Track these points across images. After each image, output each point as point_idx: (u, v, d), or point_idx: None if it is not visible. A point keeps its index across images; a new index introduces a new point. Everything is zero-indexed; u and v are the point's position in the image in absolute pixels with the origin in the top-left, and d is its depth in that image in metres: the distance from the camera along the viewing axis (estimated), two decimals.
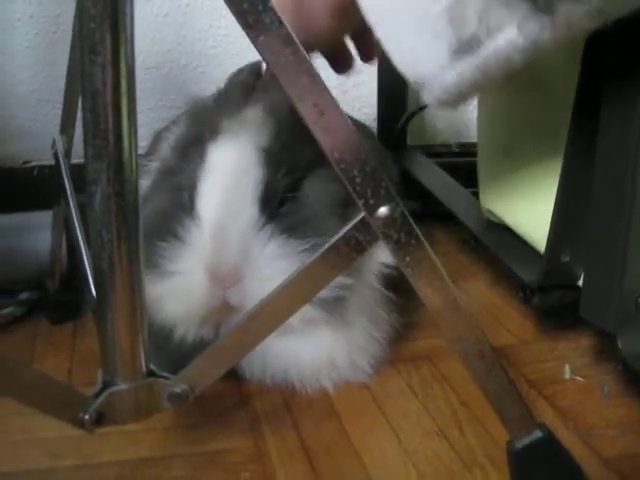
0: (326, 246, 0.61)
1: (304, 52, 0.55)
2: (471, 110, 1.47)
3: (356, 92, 1.48)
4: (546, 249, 0.87)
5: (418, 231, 0.61)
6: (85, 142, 0.56)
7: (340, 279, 0.76)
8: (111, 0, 0.51)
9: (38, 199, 1.09)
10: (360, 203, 0.60)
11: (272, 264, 0.76)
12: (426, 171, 1.34)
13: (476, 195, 1.18)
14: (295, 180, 0.82)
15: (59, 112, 0.95)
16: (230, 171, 0.79)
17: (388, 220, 0.60)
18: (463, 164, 1.37)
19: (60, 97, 0.93)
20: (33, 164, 1.34)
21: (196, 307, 0.79)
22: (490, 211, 1.06)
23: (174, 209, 0.82)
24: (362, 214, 0.60)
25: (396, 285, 0.89)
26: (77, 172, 0.86)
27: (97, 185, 0.56)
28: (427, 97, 0.63)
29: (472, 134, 1.51)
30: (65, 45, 0.89)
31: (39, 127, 1.33)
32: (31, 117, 1.33)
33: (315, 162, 0.81)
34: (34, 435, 0.80)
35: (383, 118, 1.46)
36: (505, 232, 1.04)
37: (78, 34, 0.53)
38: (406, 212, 0.61)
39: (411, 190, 1.26)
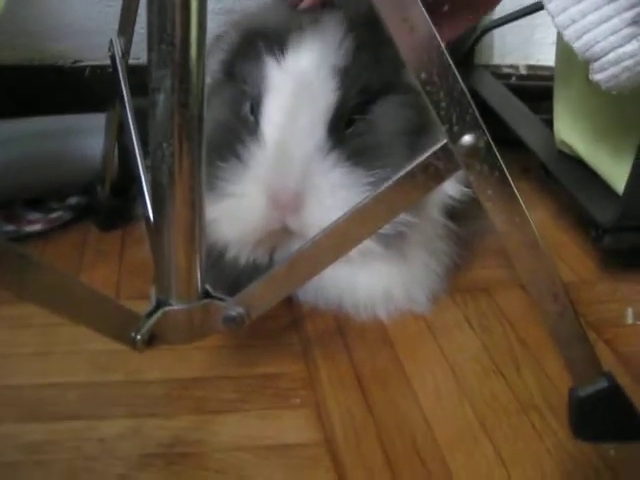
0: (402, 172, 0.57)
1: None
2: (545, 30, 1.39)
3: None
4: (625, 188, 0.83)
5: (502, 164, 0.57)
6: (149, 47, 0.52)
7: (404, 216, 0.74)
8: None
9: (88, 101, 1.05)
10: (444, 129, 0.55)
11: (335, 193, 0.72)
12: (494, 93, 1.27)
13: (546, 122, 1.12)
14: (366, 102, 0.77)
15: (114, 10, 0.91)
16: (299, 89, 0.74)
17: (472, 149, 0.56)
18: (531, 88, 1.31)
19: None
20: (84, 64, 1.30)
21: (253, 230, 0.76)
22: (564, 142, 1.01)
23: (235, 124, 0.77)
24: (444, 141, 0.56)
25: (457, 215, 0.85)
26: (134, 74, 0.83)
27: (160, 93, 0.52)
28: (596, 71, 0.58)
29: (543, 57, 1.43)
30: None
31: (92, 25, 1.28)
32: (84, 14, 1.27)
33: (389, 85, 0.76)
34: (82, 347, 0.79)
35: None
36: (579, 165, 0.99)
37: None
38: (492, 142, 0.56)
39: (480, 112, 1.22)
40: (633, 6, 0.54)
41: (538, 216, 1.16)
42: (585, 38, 0.56)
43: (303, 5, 0.82)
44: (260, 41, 0.77)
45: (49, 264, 0.55)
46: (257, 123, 0.76)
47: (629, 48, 0.55)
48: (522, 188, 1.21)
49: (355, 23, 0.76)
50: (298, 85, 0.74)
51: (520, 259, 0.61)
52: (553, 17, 0.57)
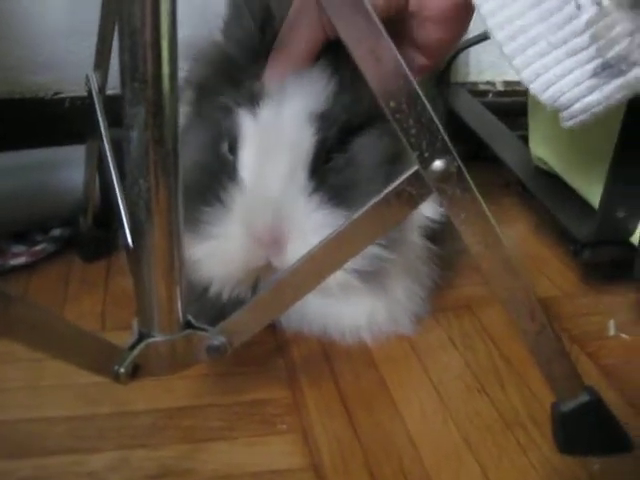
0: (376, 199, 0.58)
1: None
2: None
3: None
4: (601, 204, 0.84)
5: (474, 187, 0.58)
6: (122, 84, 0.52)
7: (381, 252, 0.75)
8: None
9: (70, 132, 1.06)
10: (415, 155, 0.56)
11: (318, 231, 0.72)
12: (471, 110, 1.29)
13: (523, 139, 1.14)
14: (345, 139, 0.78)
15: (90, 43, 0.91)
16: (276, 138, 0.74)
17: (443, 174, 0.57)
18: (508, 104, 1.33)
19: (92, 28, 0.89)
20: (64, 95, 1.31)
21: (237, 269, 0.77)
22: (540, 159, 1.02)
23: (215, 165, 0.78)
24: (416, 167, 0.57)
25: (436, 235, 0.86)
26: (112, 104, 0.83)
27: (134, 130, 0.53)
28: (566, 120, 0.59)
29: None
30: None
31: (71, 58, 1.29)
32: (62, 48, 1.28)
33: (368, 119, 0.77)
34: (69, 380, 0.80)
35: None
36: (555, 181, 1.00)
37: None
38: (462, 167, 0.57)
39: (454, 130, 1.23)
40: (592, 59, 0.56)
41: (519, 231, 1.17)
42: (551, 90, 0.58)
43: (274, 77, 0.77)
44: (231, 89, 0.77)
45: (31, 301, 0.56)
46: (234, 165, 0.76)
47: (594, 97, 0.57)
48: (503, 203, 1.25)
49: (339, 65, 0.75)
50: (274, 135, 0.74)
51: (495, 279, 0.62)
52: (518, 72, 0.59)
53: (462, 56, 1.42)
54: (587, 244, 0.87)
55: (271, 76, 0.75)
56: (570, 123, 0.60)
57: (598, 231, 0.85)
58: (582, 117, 0.59)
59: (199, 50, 0.83)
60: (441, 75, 1.38)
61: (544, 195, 0.99)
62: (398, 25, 0.72)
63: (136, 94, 0.52)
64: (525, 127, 1.13)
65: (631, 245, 0.83)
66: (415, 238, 0.84)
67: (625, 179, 0.81)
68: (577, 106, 0.58)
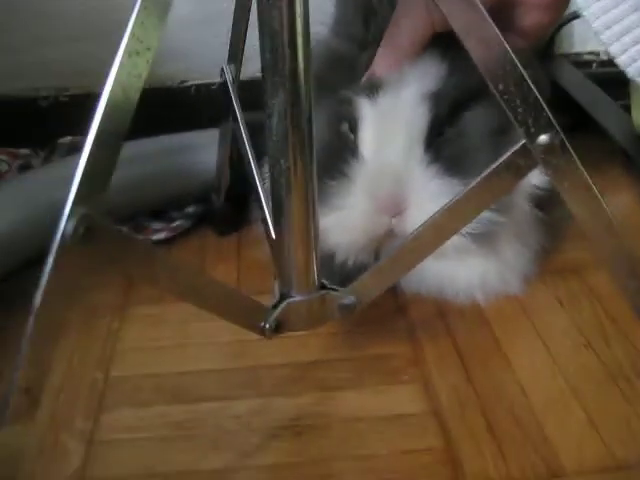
0: (487, 171, 0.65)
1: None
2: None
3: None
4: None
5: (577, 158, 0.64)
6: (264, 79, 0.61)
7: (492, 216, 0.81)
8: None
9: (197, 118, 1.17)
10: (521, 131, 0.63)
11: (435, 199, 0.79)
12: (574, 82, 1.32)
13: (626, 108, 1.16)
14: (455, 114, 0.85)
15: (215, 33, 0.99)
16: (393, 119, 0.82)
17: (548, 147, 0.63)
18: (613, 74, 1.34)
19: (217, 18, 0.97)
20: (190, 83, 1.42)
21: (362, 236, 0.84)
22: None
23: (337, 143, 0.86)
24: (523, 141, 0.63)
25: (546, 203, 0.91)
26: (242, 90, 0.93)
27: (274, 117, 0.62)
28: None
29: None
30: None
31: (195, 48, 1.39)
32: (187, 38, 1.38)
33: (475, 95, 0.84)
34: (213, 339, 0.90)
35: None
36: None
37: None
38: (565, 140, 0.63)
39: (561, 102, 1.26)
40: None
41: (623, 199, 1.20)
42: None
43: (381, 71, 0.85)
44: (346, 83, 0.86)
45: (187, 264, 0.66)
46: (355, 142, 0.84)
47: None
48: (609, 172, 1.27)
49: (448, 51, 0.83)
50: (392, 115, 0.82)
51: (598, 243, 0.68)
52: (615, 57, 0.64)
53: (566, 28, 1.44)
54: None
55: (379, 68, 0.83)
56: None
57: None
58: None
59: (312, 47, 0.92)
60: (545, 48, 1.41)
61: None
62: (501, 13, 0.78)
63: (276, 87, 0.60)
64: (629, 96, 1.16)
65: None
66: (523, 204, 0.90)
67: None
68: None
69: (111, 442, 0.77)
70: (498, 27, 0.59)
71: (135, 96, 0.56)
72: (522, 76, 0.61)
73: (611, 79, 1.34)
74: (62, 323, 0.57)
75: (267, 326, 0.70)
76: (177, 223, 1.15)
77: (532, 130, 0.63)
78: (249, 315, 0.70)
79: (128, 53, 0.55)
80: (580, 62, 1.48)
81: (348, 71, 0.87)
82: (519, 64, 0.61)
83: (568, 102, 1.27)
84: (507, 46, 0.60)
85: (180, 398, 0.82)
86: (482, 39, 0.60)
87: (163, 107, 1.40)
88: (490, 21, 0.59)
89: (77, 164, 0.53)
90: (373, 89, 0.83)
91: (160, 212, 1.18)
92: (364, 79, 0.85)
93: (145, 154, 1.15)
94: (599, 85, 1.32)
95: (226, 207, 1.13)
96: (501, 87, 0.61)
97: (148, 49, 0.56)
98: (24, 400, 0.57)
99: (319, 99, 0.90)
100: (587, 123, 1.24)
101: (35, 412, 0.59)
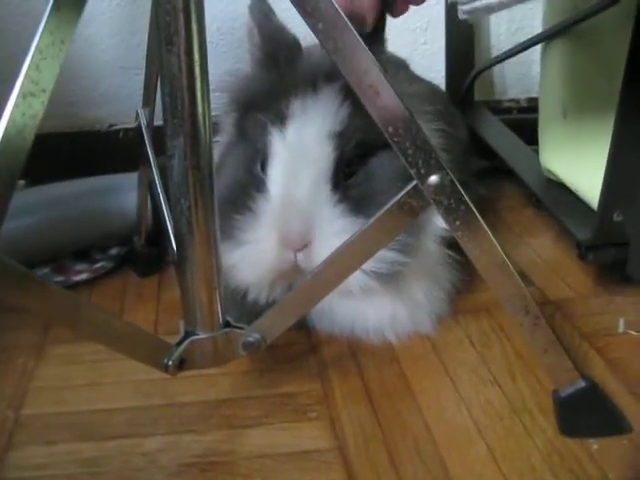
0: (382, 211, 0.67)
1: (359, 38, 0.61)
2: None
3: (425, 50, 1.51)
4: (598, 208, 0.91)
5: (467, 197, 0.67)
6: (164, 121, 0.63)
7: (396, 256, 0.83)
8: None
9: (125, 160, 1.18)
10: (412, 172, 0.65)
11: (339, 235, 0.81)
12: (490, 128, 1.37)
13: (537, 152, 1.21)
14: (363, 155, 0.87)
15: (140, 78, 1.01)
16: (300, 154, 0.84)
17: (438, 187, 0.66)
18: (532, 120, 1.40)
19: (141, 63, 0.99)
20: (119, 127, 1.43)
21: (268, 271, 0.86)
22: (549, 170, 1.10)
23: (248, 180, 0.88)
24: (414, 182, 0.66)
25: (456, 243, 0.94)
26: (159, 134, 0.94)
27: (176, 159, 0.63)
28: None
29: None
30: (144, 15, 0.95)
31: (123, 92, 1.42)
32: (115, 83, 1.41)
33: (381, 139, 0.86)
34: (126, 378, 0.90)
35: (451, 75, 1.49)
36: (563, 190, 1.07)
37: (155, 25, 0.60)
38: (455, 180, 0.66)
39: (479, 147, 1.31)
40: None
41: (541, 238, 1.24)
42: None
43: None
44: (262, 112, 0.88)
45: (96, 305, 0.67)
46: (265, 181, 0.86)
47: None
48: (528, 214, 1.31)
49: (350, 91, 0.86)
50: (299, 151, 0.84)
51: (491, 279, 0.71)
52: None
53: (485, 75, 1.50)
54: (589, 247, 0.94)
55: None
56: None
57: (597, 234, 0.92)
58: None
59: (240, 78, 0.95)
60: (464, 95, 1.46)
61: (553, 204, 1.07)
62: None
63: (176, 129, 0.62)
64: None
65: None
66: (432, 245, 0.92)
67: (621, 183, 0.88)
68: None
69: None
70: None
71: (30, 136, 0.57)
72: (411, 119, 0.64)
73: (529, 125, 1.41)
74: None
75: (170, 363, 0.71)
76: (100, 264, 1.16)
77: (422, 171, 0.65)
78: (153, 353, 0.71)
79: (22, 95, 0.56)
80: (500, 109, 1.54)
81: (267, 99, 0.89)
82: (408, 108, 0.64)
83: (485, 147, 1.32)
84: (396, 92, 0.63)
85: (90, 436, 0.82)
86: (371, 85, 0.63)
87: (92, 150, 1.42)
88: (380, 68, 0.62)
89: None
90: (283, 120, 0.85)
91: (83, 253, 1.18)
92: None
93: (68, 196, 1.16)
94: (519, 130, 1.37)
95: (147, 249, 1.14)
96: (391, 130, 0.64)
97: (43, 91, 0.57)
98: None
99: (242, 129, 0.94)
100: (503, 167, 1.29)
101: None
